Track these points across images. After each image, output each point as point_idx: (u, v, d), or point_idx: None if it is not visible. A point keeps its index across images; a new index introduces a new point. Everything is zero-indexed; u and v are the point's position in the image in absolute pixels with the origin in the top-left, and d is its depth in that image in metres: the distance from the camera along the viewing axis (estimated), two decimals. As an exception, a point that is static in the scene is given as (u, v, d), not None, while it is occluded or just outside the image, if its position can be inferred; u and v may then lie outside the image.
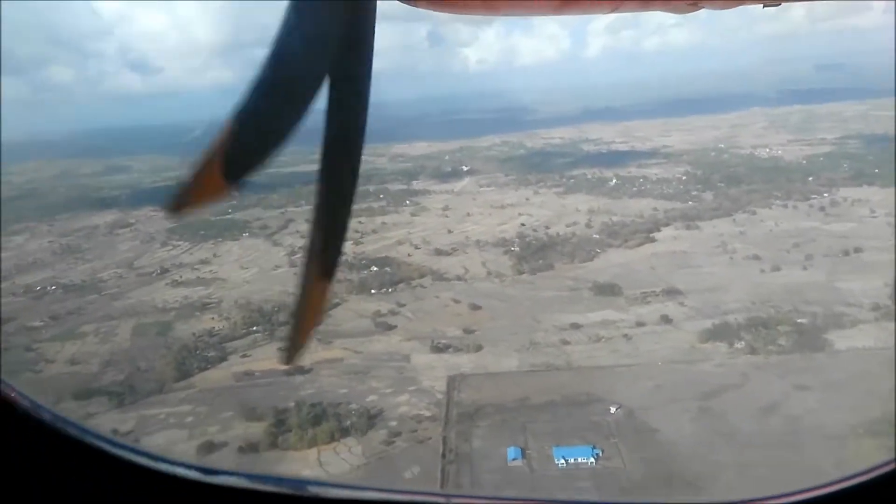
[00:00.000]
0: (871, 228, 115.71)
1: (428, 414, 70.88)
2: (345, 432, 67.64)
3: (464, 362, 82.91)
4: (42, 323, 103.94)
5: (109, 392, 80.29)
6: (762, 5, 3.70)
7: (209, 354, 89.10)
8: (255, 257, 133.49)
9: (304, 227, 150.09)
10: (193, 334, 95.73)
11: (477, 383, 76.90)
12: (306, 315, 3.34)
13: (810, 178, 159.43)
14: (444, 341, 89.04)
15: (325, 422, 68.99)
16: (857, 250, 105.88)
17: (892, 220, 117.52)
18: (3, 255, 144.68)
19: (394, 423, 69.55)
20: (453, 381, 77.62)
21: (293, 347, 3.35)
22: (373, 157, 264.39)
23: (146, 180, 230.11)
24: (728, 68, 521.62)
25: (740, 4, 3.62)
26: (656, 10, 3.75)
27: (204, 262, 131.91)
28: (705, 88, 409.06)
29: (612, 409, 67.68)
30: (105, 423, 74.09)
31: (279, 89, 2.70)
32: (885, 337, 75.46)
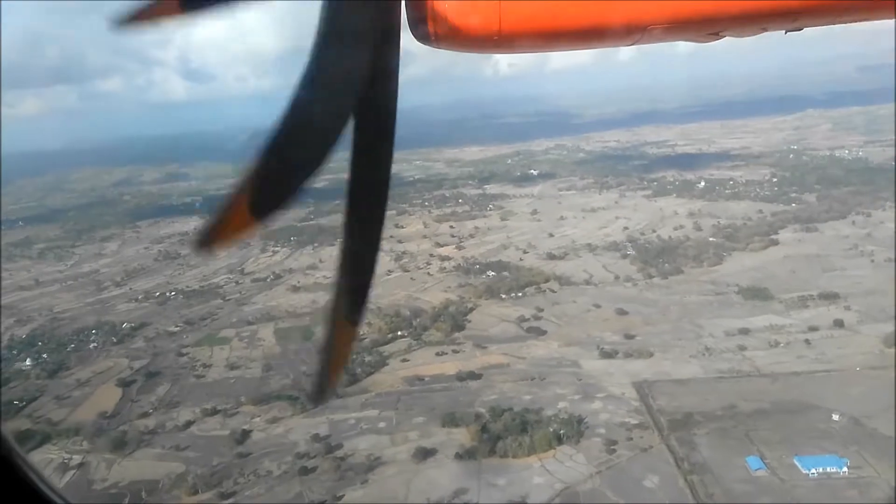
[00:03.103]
0: None
1: (634, 422, 68.51)
2: (559, 439, 65.38)
3: (640, 368, 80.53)
4: (178, 328, 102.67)
5: (287, 397, 78.60)
6: (784, 31, 3.81)
7: (367, 359, 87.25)
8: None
9: (394, 231, 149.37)
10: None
11: (668, 390, 74.50)
12: (334, 357, 3.31)
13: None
14: (607, 346, 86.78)
15: (534, 428, 66.79)
16: None
17: None
18: (102, 261, 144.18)
19: (602, 431, 67.29)
20: (642, 388, 75.26)
21: (322, 388, 3.35)
22: (428, 161, 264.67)
23: (209, 186, 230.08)
24: (765, 69, 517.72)
25: (762, 32, 3.72)
26: (678, 40, 3.80)
27: (312, 267, 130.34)
28: (750, 90, 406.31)
29: (835, 417, 65.10)
30: (298, 427, 72.68)
31: (305, 129, 2.72)
32: None
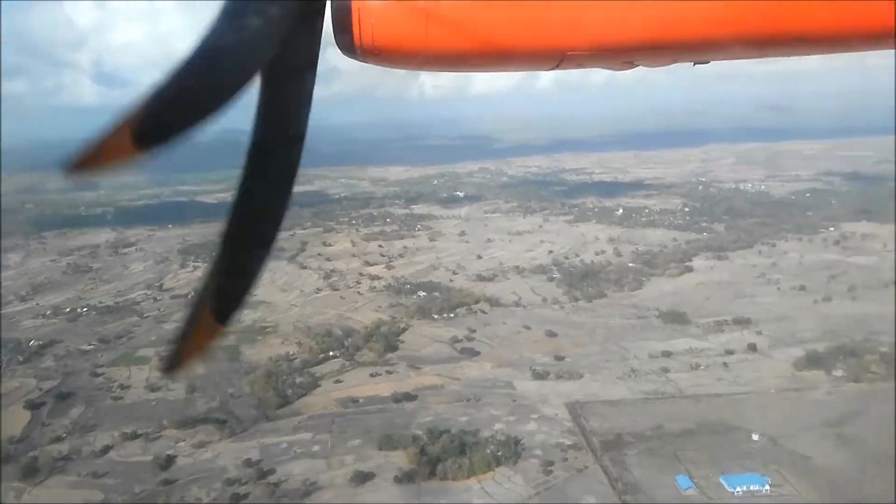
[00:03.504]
0: (893, 262, 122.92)
1: (568, 442, 70.01)
2: (497, 461, 65.90)
3: (571, 390, 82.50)
4: (92, 346, 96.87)
5: (213, 420, 75.49)
6: (693, 63, 4.20)
7: (299, 380, 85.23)
8: (289, 280, 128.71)
9: (322, 249, 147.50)
10: (270, 359, 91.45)
11: (599, 411, 76.67)
12: (190, 344, 3.39)
13: (809, 213, 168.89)
14: (539, 368, 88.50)
15: (472, 450, 67.03)
16: (893, 283, 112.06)
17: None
18: (4, 273, 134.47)
19: (539, 452, 68.34)
20: (575, 409, 77.08)
21: (172, 364, 3.37)
22: (353, 179, 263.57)
23: (121, 197, 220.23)
24: (675, 104, 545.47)
25: (673, 63, 4.09)
26: (595, 67, 4.13)
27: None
28: (661, 123, 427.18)
29: (755, 437, 68.88)
30: (227, 452, 69.87)
31: (204, 74, 2.80)
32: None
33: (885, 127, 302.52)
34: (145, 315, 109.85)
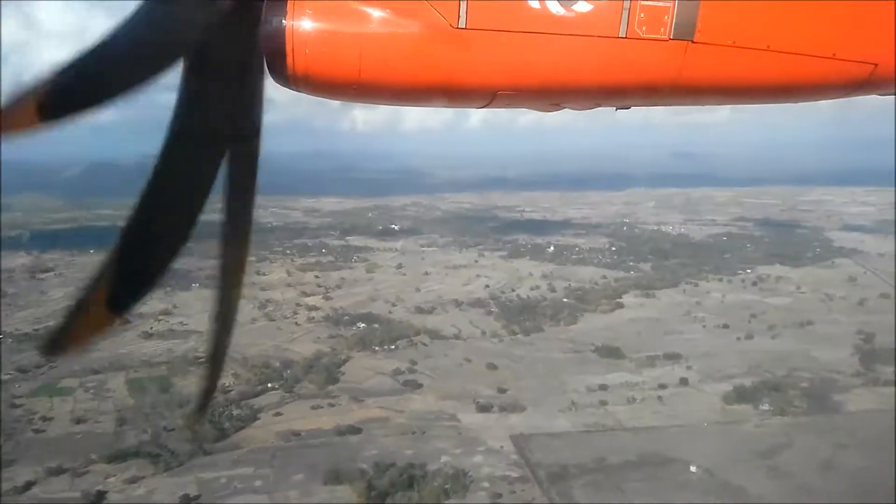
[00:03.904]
0: (807, 303, 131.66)
1: (515, 475, 70.66)
2: (446, 494, 65.65)
3: (515, 422, 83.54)
4: (10, 376, 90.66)
5: (146, 454, 71.87)
6: (615, 108, 4.51)
7: (236, 413, 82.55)
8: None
9: (255, 278, 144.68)
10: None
11: (543, 444, 77.81)
12: (78, 328, 3.43)
13: (726, 255, 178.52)
14: (482, 400, 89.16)
15: (420, 484, 66.55)
16: (809, 323, 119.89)
17: (821, 296, 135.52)
18: None
19: (486, 485, 68.61)
20: (519, 442, 77.93)
21: (54, 347, 3.42)
22: (285, 209, 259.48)
23: (36, 220, 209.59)
24: (595, 149, 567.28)
25: (596, 107, 4.39)
26: (525, 107, 4.37)
27: (166, 313, 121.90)
28: (583, 167, 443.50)
29: (693, 469, 71.57)
30: (162, 487, 66.56)
31: (112, 57, 2.86)
32: (882, 401, 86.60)
33: (788, 178, 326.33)
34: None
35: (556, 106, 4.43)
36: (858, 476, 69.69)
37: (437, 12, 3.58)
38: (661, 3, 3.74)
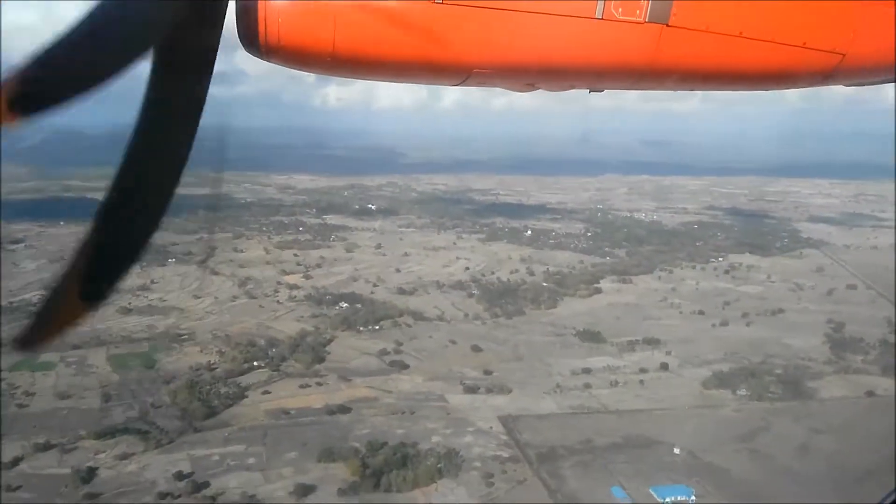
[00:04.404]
0: (778, 292, 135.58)
1: (505, 455, 71.95)
2: (439, 473, 66.62)
3: (502, 403, 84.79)
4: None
5: (134, 430, 71.23)
6: (589, 90, 4.53)
7: (224, 391, 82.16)
8: (200, 286, 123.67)
9: (233, 255, 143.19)
10: (191, 368, 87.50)
11: (531, 425, 79.26)
12: (53, 320, 3.35)
13: (699, 243, 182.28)
14: (469, 382, 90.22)
15: (414, 462, 67.38)
16: (780, 311, 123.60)
17: (791, 285, 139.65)
18: None
19: (478, 464, 69.76)
20: (508, 423, 79.24)
21: (29, 340, 3.32)
22: (258, 185, 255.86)
23: (2, 190, 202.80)
24: (567, 134, 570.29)
25: (570, 89, 4.41)
26: (499, 86, 4.36)
27: (144, 288, 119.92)
28: (555, 151, 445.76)
29: (677, 451, 73.74)
30: (154, 464, 66.16)
31: (83, 47, 2.73)
32: (853, 388, 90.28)
33: (755, 168, 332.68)
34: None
35: (531, 86, 4.45)
36: (834, 459, 72.71)
37: None
38: None
